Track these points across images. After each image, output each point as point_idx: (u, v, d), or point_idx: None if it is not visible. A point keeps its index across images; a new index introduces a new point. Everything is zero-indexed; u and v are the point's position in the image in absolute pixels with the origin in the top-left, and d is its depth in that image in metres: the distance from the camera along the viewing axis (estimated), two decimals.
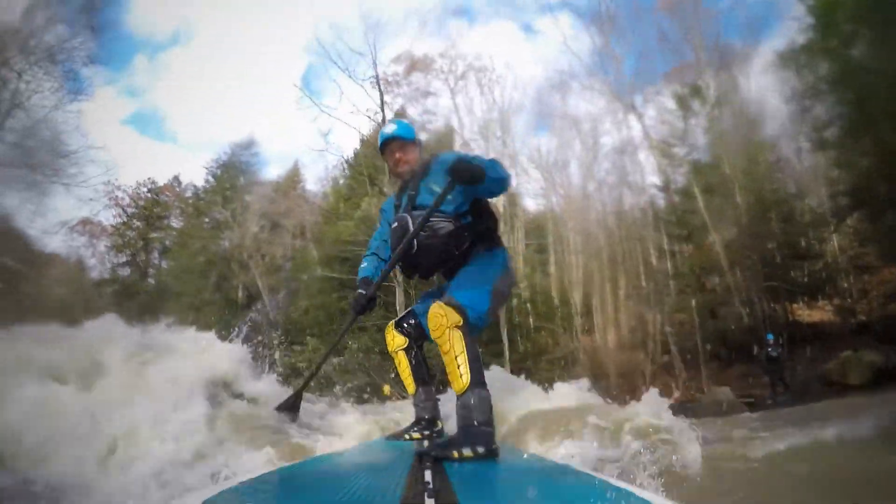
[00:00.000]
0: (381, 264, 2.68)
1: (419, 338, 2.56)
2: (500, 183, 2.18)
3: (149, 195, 28.61)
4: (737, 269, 11.95)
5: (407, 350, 2.56)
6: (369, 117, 18.64)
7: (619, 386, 10.29)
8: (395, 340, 2.56)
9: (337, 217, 20.94)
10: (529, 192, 16.73)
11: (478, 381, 1.98)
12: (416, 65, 18.73)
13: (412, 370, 2.59)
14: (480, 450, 1.75)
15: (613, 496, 1.08)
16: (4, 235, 19.87)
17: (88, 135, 18.64)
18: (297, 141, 47.96)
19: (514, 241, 15.04)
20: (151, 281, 27.97)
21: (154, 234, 28.62)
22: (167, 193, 29.39)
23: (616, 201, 14.10)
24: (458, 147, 18.52)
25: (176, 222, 29.08)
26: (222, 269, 24.07)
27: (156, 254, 29.17)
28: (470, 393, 1.93)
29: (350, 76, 18.09)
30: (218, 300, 23.33)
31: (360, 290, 2.59)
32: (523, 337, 13.76)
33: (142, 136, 42.11)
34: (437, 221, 2.27)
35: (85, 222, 23.39)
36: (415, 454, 1.67)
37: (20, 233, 19.56)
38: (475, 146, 17.51)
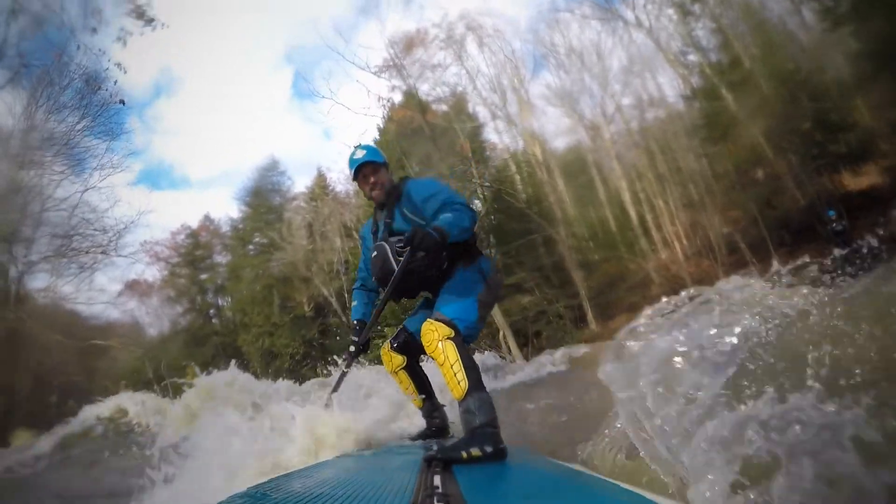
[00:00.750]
0: (370, 297, 2.98)
1: (415, 353, 2.73)
2: (463, 233, 2.37)
3: (187, 240, 29.96)
4: (781, 154, 12.52)
5: (406, 368, 2.76)
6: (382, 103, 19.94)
7: None
8: (394, 361, 2.74)
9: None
10: (554, 133, 17.74)
11: (476, 385, 2.14)
12: (413, 42, 19.64)
13: (416, 386, 2.79)
14: (488, 449, 1.89)
15: (624, 500, 1.14)
16: (73, 316, 22.83)
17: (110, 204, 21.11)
18: (308, 147, 49.57)
19: (552, 185, 16.01)
20: (215, 322, 29.68)
21: (203, 276, 30.15)
22: (203, 234, 30.89)
23: (639, 119, 14.94)
24: (473, 108, 19.58)
25: (220, 258, 30.61)
26: (283, 290, 25.82)
27: (210, 294, 30.59)
28: (470, 398, 2.10)
29: (356, 66, 19.28)
30: (287, 321, 25.15)
31: (353, 338, 2.86)
32: (593, 272, 14.80)
33: (156, 192, 44.28)
34: None
35: (132, 284, 24.80)
36: (423, 458, 1.77)
37: (80, 314, 22.69)
38: (491, 104, 18.45)
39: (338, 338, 23.53)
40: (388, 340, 2.76)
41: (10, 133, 18.70)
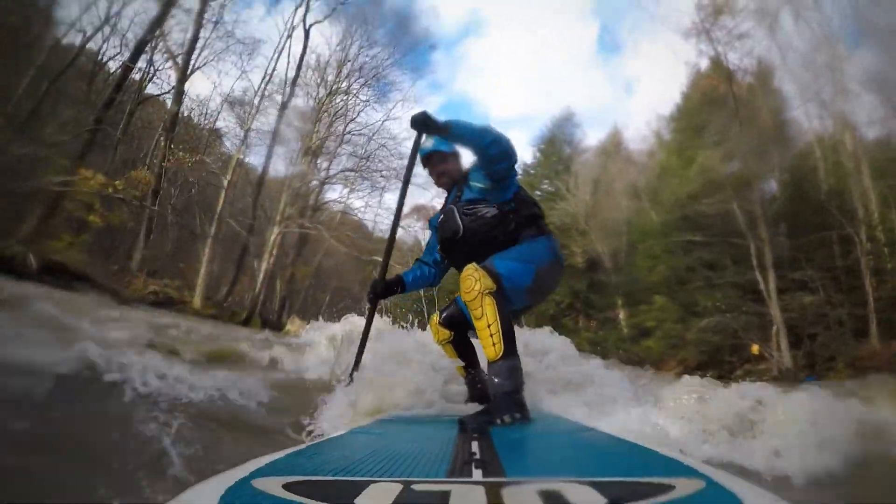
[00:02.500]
0: (422, 269, 3.17)
1: (463, 327, 2.95)
2: (475, 138, 2.58)
3: None
4: None
5: (453, 342, 3.02)
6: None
7: None
8: (440, 334, 3.02)
9: (671, 174, 22.82)
10: (866, 122, 16.67)
11: (509, 350, 2.31)
12: (721, 8, 19.78)
13: (461, 357, 3.06)
14: (517, 416, 2.18)
15: (658, 463, 1.23)
16: (360, 230, 28.37)
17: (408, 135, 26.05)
18: (605, 102, 50.71)
19: (858, 179, 15.58)
20: None
21: None
22: None
23: None
24: (780, 84, 19.42)
25: None
26: (561, 239, 28.30)
27: None
28: (503, 362, 2.29)
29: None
30: None
31: (375, 278, 3.06)
32: (886, 282, 14.43)
33: None
34: (482, 207, 2.69)
35: (419, 209, 27.11)
36: (458, 423, 1.98)
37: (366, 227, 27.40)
38: (802, 82, 18.13)
39: (603, 295, 26.21)
40: (438, 311, 3.04)
41: (326, 62, 24.52)
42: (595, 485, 0.91)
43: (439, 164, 2.94)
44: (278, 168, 23.69)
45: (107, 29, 18.12)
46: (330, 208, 26.92)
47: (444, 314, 2.99)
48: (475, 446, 1.47)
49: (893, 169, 15.00)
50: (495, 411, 2.18)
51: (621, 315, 24.98)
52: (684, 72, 22.77)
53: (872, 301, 14.55)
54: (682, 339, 19.88)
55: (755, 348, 16.66)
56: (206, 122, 23.84)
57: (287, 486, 0.94)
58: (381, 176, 26.06)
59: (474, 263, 2.35)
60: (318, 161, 24.91)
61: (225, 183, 20.26)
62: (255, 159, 23.68)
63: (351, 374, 3.00)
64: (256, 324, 18.56)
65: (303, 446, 1.49)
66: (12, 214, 12.85)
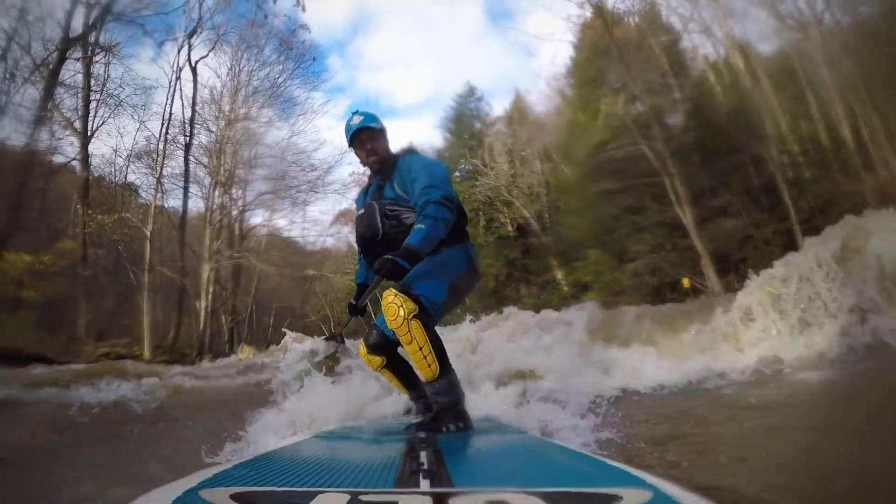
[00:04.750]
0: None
1: (392, 348, 2.89)
2: (440, 238, 2.50)
3: None
4: None
5: (388, 366, 2.94)
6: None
7: None
8: (373, 362, 2.93)
9: (579, 129, 22.14)
10: (757, 37, 16.56)
11: (444, 367, 2.32)
12: None
13: (401, 381, 3.02)
14: (461, 425, 2.25)
15: (607, 474, 1.21)
16: (291, 247, 28.05)
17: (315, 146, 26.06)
18: (506, 71, 50.64)
19: (761, 97, 15.27)
20: None
21: None
22: None
23: (852, 14, 13.42)
24: (667, 18, 19.20)
25: None
26: (488, 213, 27.94)
27: None
28: (440, 380, 2.31)
29: None
30: (492, 241, 27.31)
31: (351, 301, 3.07)
32: (805, 193, 14.33)
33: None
34: (403, 211, 2.63)
35: (344, 213, 27.69)
36: (405, 429, 2.05)
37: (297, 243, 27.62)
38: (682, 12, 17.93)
39: (538, 258, 25.86)
40: (363, 341, 2.98)
41: (220, 93, 24.27)
42: (542, 495, 0.92)
43: (368, 142, 2.84)
44: (200, 206, 23.65)
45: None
46: (256, 234, 26.82)
47: (370, 342, 2.89)
48: (423, 456, 1.44)
49: (790, 81, 14.75)
50: (440, 420, 2.25)
51: (559, 275, 24.60)
52: (573, 25, 21.84)
53: (794, 213, 14.40)
54: (620, 286, 19.52)
55: (686, 282, 16.56)
56: (117, 178, 23.17)
57: (235, 497, 0.95)
58: (298, 192, 25.92)
59: (393, 289, 2.35)
60: (233, 191, 24.75)
61: (147, 233, 20.27)
62: (174, 203, 23.25)
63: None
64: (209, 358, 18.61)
65: (250, 457, 1.54)
66: None
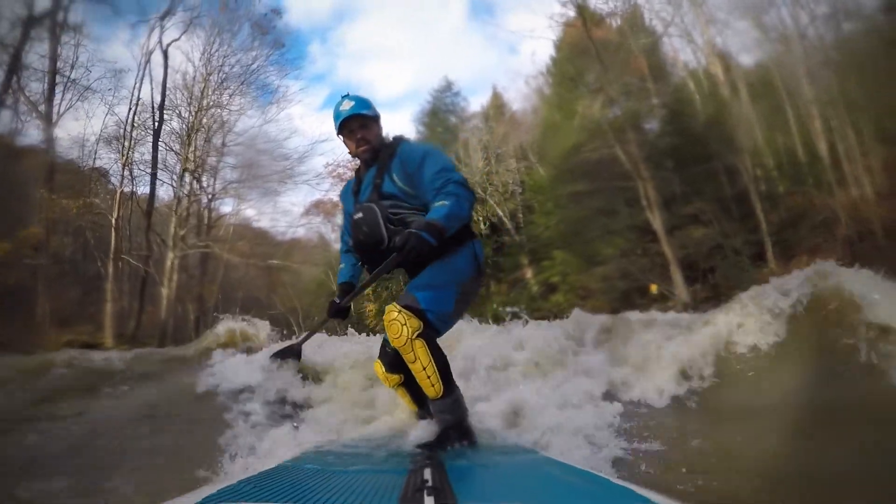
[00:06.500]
0: (358, 260, 2.85)
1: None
2: (462, 222, 2.39)
3: None
4: None
5: (405, 383, 2.76)
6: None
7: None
8: (390, 380, 2.76)
9: (555, 129, 22.21)
10: (739, 48, 16.48)
11: (448, 386, 2.26)
12: None
13: (414, 399, 2.84)
14: (465, 443, 2.21)
15: (612, 494, 1.17)
16: (260, 237, 27.11)
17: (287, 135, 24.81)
18: (485, 67, 50.26)
19: (738, 107, 15.11)
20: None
21: None
22: None
23: (835, 31, 13.36)
24: (650, 21, 18.80)
25: None
26: None
27: None
28: (444, 399, 2.25)
29: None
30: None
31: (334, 299, 2.92)
32: (777, 206, 14.15)
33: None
34: (408, 213, 2.47)
35: (317, 204, 27.19)
36: (412, 446, 2.00)
37: (267, 233, 26.92)
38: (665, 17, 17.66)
39: (509, 256, 25.25)
40: (378, 359, 2.79)
41: (192, 78, 23.22)
42: None
43: (359, 131, 2.62)
44: (169, 194, 22.81)
45: None
46: (224, 223, 25.77)
47: (386, 360, 2.71)
48: (427, 473, 1.42)
49: (769, 93, 14.52)
50: (445, 439, 2.17)
51: (528, 274, 24.25)
52: (555, 23, 21.43)
53: (765, 225, 14.20)
54: (587, 289, 19.36)
55: (653, 288, 16.31)
56: (84, 163, 22.17)
57: None
58: (268, 181, 24.90)
59: (396, 304, 2.22)
60: (203, 179, 23.84)
61: (112, 220, 19.85)
62: (144, 189, 22.28)
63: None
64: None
65: (253, 474, 1.50)
66: None
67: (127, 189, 21.27)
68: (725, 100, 15.70)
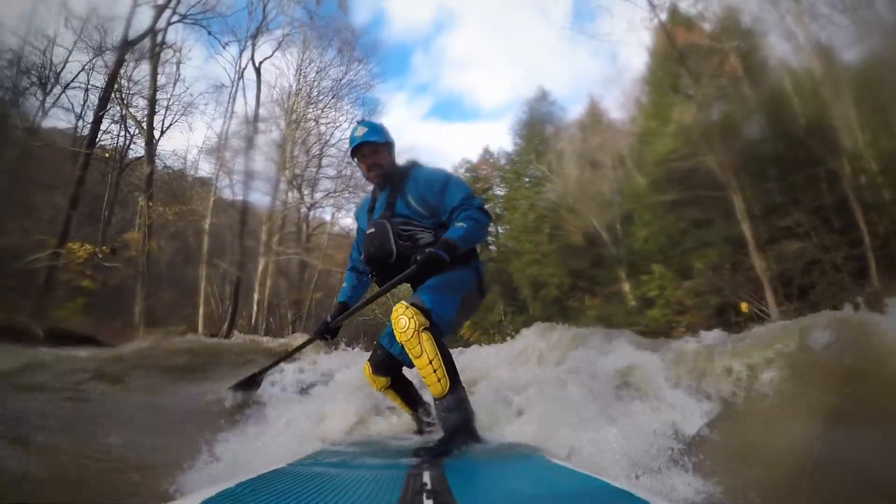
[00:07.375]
0: (360, 281, 3.02)
1: (396, 368, 2.81)
2: (476, 244, 2.56)
3: (467, 175, 33.22)
4: None
5: (393, 386, 2.86)
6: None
7: None
8: (378, 382, 2.84)
9: (651, 137, 21.39)
10: (841, 44, 14.55)
11: (455, 382, 2.25)
12: None
13: (406, 402, 2.94)
14: (470, 445, 2.18)
15: (612, 497, 1.19)
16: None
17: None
18: (581, 76, 49.05)
19: (842, 107, 13.45)
20: (492, 248, 32.46)
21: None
22: (483, 167, 34.22)
23: None
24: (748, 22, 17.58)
25: (499, 191, 33.41)
26: (554, 220, 27.12)
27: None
28: (450, 397, 2.23)
29: None
30: (555, 250, 26.93)
31: (327, 318, 2.93)
32: (882, 216, 12.60)
33: (447, 123, 48.81)
34: (417, 231, 2.59)
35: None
36: (413, 451, 1.97)
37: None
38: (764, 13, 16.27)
39: (606, 269, 24.49)
40: (367, 361, 2.87)
41: (288, 91, 24.90)
42: None
43: (370, 156, 2.73)
44: (266, 203, 24.27)
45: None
46: (322, 231, 27.43)
47: (374, 362, 2.81)
48: (426, 476, 1.44)
49: (876, 90, 12.95)
50: (451, 442, 2.13)
51: (626, 287, 23.43)
52: (647, 29, 20.61)
53: (868, 238, 12.63)
54: (683, 304, 18.57)
55: (744, 306, 15.06)
56: (189, 172, 24.67)
57: None
58: (364, 191, 25.37)
59: (403, 301, 2.29)
60: (302, 189, 25.46)
61: (206, 227, 21.14)
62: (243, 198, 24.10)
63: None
64: None
65: (254, 476, 1.48)
66: (17, 290, 13.96)
67: (227, 197, 23.15)
68: (826, 100, 14.11)
